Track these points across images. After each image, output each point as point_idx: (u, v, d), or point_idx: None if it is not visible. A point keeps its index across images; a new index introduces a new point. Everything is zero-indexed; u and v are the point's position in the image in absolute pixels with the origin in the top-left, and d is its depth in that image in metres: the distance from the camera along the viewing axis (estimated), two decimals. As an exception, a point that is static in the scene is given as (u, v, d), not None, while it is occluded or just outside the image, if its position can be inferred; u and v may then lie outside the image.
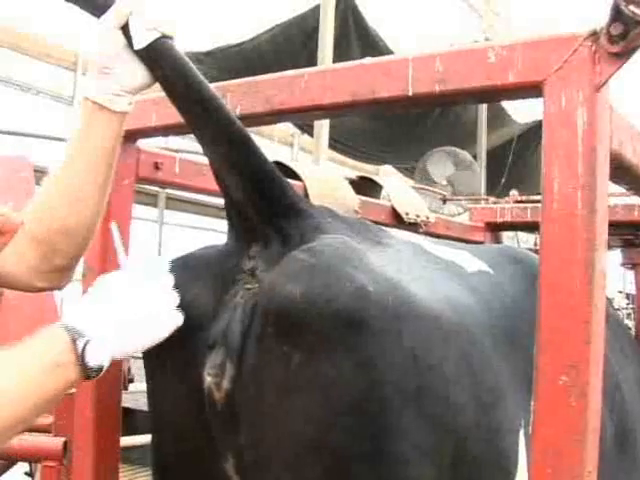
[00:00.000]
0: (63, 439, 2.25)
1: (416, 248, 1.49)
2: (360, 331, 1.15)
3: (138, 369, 4.44)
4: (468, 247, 1.76)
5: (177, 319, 1.29)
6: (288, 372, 1.18)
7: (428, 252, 1.49)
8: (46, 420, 2.32)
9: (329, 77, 1.37)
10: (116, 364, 1.75)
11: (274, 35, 7.55)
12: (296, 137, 12.07)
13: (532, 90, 1.15)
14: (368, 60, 1.34)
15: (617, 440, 1.66)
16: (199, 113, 1.29)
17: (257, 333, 1.24)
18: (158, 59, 1.29)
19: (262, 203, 1.31)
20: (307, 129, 8.96)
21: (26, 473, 3.35)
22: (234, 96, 1.45)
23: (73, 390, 1.73)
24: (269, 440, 1.21)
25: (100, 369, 1.14)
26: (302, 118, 1.61)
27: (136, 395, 3.88)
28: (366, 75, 1.31)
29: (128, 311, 1.22)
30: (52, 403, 1.13)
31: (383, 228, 1.57)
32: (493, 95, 1.24)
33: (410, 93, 1.25)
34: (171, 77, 1.29)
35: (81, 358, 1.11)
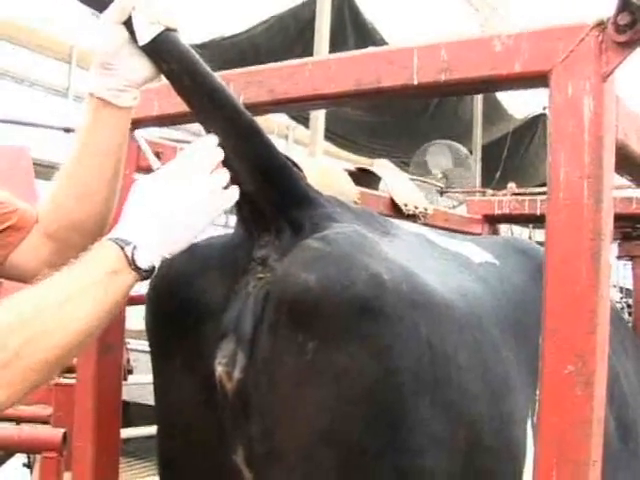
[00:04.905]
0: (62, 430, 2.26)
1: (422, 239, 1.50)
2: (376, 319, 1.15)
3: (133, 361, 4.44)
4: (473, 238, 1.77)
5: (225, 199, 1.27)
6: (302, 361, 1.18)
7: (434, 243, 1.50)
8: (45, 411, 2.32)
9: (333, 66, 1.36)
10: (116, 355, 1.76)
11: (269, 27, 7.52)
12: (291, 130, 12.05)
13: (538, 80, 1.15)
14: (372, 49, 1.33)
15: (618, 432, 1.67)
16: (207, 105, 1.29)
17: (270, 322, 1.23)
18: (163, 53, 1.28)
19: (273, 193, 1.30)
20: (302, 120, 8.94)
21: (25, 464, 3.35)
22: (237, 85, 1.44)
23: (73, 381, 1.74)
24: (281, 430, 1.21)
25: (152, 269, 1.21)
26: (306, 108, 1.60)
27: (130, 387, 3.88)
28: (370, 64, 1.31)
29: (168, 209, 1.23)
30: (117, 307, 1.20)
31: (388, 219, 1.57)
32: (499, 85, 1.23)
33: (415, 82, 1.25)
34: (177, 70, 1.28)
35: (133, 263, 1.17)
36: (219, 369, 1.28)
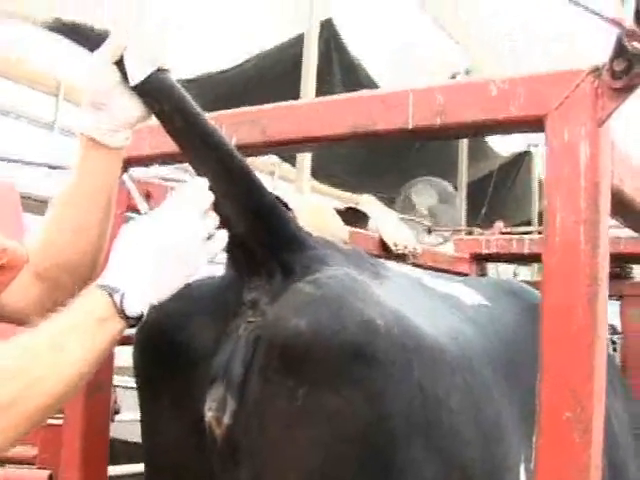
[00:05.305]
0: (48, 472, 2.22)
1: (412, 280, 1.49)
2: (369, 364, 1.14)
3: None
4: (463, 279, 1.76)
5: (215, 245, 1.26)
6: (293, 407, 1.16)
7: (425, 284, 1.49)
8: (31, 452, 2.28)
9: (327, 108, 1.36)
10: (105, 395, 1.73)
11: (258, 63, 7.55)
12: (277, 166, 12.06)
13: (534, 124, 1.15)
14: (367, 92, 1.33)
15: (609, 474, 1.65)
16: (198, 147, 1.28)
17: (260, 367, 1.22)
18: (154, 93, 1.28)
19: (264, 235, 1.29)
20: (288, 158, 8.95)
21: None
22: (230, 126, 1.43)
23: (60, 422, 1.71)
24: (271, 476, 1.19)
25: (140, 317, 1.19)
26: (299, 150, 1.60)
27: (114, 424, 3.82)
28: (365, 107, 1.30)
29: (157, 255, 1.21)
30: (106, 353, 1.19)
31: (378, 260, 1.57)
32: (494, 129, 1.23)
33: (410, 126, 1.25)
34: (168, 111, 1.27)
35: (121, 311, 1.16)
36: (208, 414, 1.26)
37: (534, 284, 2.12)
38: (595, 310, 1.07)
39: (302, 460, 1.16)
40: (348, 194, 10.90)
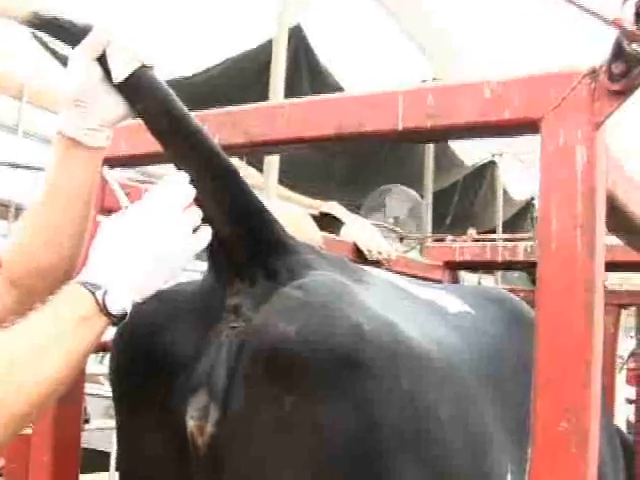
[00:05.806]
0: (15, 482, 2.16)
1: (396, 287, 1.46)
2: (357, 371, 1.11)
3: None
4: (445, 286, 1.74)
5: (198, 241, 1.22)
6: (279, 415, 1.13)
7: (408, 291, 1.46)
8: (-3, 463, 2.22)
9: (313, 109, 1.33)
10: (76, 404, 1.68)
11: (226, 68, 7.49)
12: (242, 171, 12.01)
13: (529, 127, 1.12)
14: (355, 92, 1.30)
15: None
16: (183, 147, 1.24)
17: (244, 374, 1.18)
18: (138, 91, 1.23)
19: (248, 238, 1.26)
20: (253, 162, 8.90)
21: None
22: (211, 126, 1.39)
23: (29, 431, 1.65)
24: None
25: (124, 314, 1.14)
26: (283, 151, 1.57)
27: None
28: (352, 108, 1.27)
29: (138, 251, 1.17)
30: (88, 353, 1.15)
31: (360, 265, 1.54)
32: (488, 131, 1.20)
33: (400, 128, 1.22)
34: (153, 110, 1.23)
35: (104, 308, 1.11)
36: (190, 423, 1.22)
37: (512, 292, 2.11)
38: (591, 316, 1.04)
39: (288, 469, 1.13)
40: (313, 200, 10.89)
